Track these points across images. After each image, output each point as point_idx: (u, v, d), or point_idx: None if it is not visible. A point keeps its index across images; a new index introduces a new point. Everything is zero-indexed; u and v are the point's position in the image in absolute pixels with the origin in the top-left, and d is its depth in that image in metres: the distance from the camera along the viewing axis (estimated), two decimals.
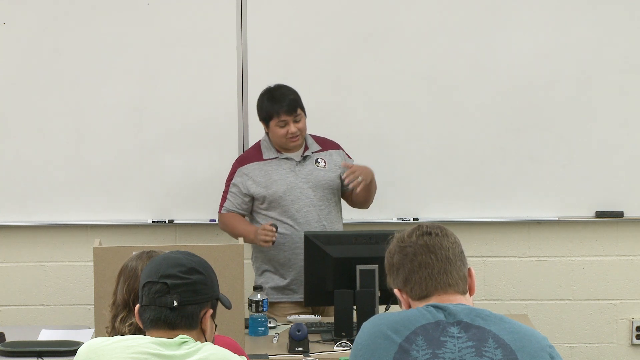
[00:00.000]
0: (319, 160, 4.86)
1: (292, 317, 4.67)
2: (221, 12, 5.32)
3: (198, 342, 2.56)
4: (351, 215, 5.25)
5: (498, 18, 5.36)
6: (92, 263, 4.11)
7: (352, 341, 3.86)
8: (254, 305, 4.50)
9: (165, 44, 5.33)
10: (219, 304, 2.68)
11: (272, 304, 4.70)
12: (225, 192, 4.87)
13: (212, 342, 2.64)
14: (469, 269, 2.54)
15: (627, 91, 5.41)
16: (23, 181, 5.38)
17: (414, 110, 5.40)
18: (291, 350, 4.26)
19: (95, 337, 3.45)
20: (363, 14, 5.34)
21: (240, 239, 4.50)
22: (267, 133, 4.85)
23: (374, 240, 4.45)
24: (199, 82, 5.34)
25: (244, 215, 4.87)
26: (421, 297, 2.49)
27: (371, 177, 4.79)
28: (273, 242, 4.68)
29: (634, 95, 5.42)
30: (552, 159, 5.42)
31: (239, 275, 4.17)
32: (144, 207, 5.40)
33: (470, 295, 2.53)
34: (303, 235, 4.57)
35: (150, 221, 5.42)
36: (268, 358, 4.21)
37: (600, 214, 5.48)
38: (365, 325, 2.47)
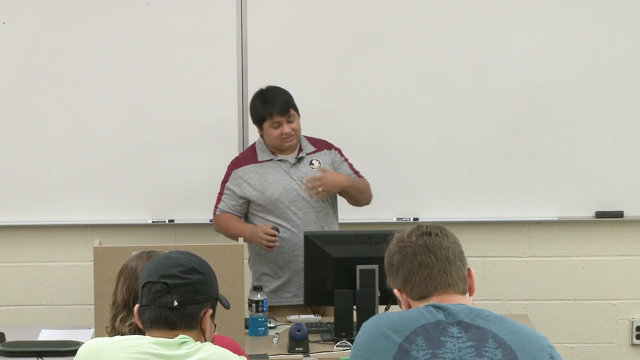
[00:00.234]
0: (313, 161, 4.85)
1: (292, 317, 4.67)
2: (221, 12, 5.32)
3: (198, 342, 2.56)
4: (351, 215, 5.25)
5: (498, 18, 5.36)
6: (92, 263, 4.11)
7: (352, 341, 3.86)
8: (254, 305, 4.50)
9: (165, 44, 5.33)
10: (218, 304, 2.68)
11: (270, 307, 4.68)
12: (220, 193, 4.87)
13: (212, 342, 2.64)
14: (469, 269, 2.54)
15: (627, 91, 5.41)
16: (23, 181, 5.38)
17: (414, 110, 5.40)
18: (291, 350, 4.26)
19: (95, 337, 3.45)
20: (363, 14, 5.34)
21: (240, 239, 4.50)
22: (261, 135, 4.85)
23: (374, 240, 4.45)
24: (199, 82, 5.34)
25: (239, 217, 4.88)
26: (421, 297, 2.49)
27: (339, 187, 4.79)
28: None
29: (634, 95, 5.42)
30: (552, 159, 5.43)
31: (239, 275, 4.17)
32: (144, 207, 5.41)
33: (470, 295, 2.53)
34: (302, 237, 4.59)
35: (150, 221, 5.42)
36: (268, 358, 4.21)
37: (600, 214, 5.48)
38: (365, 325, 2.47)
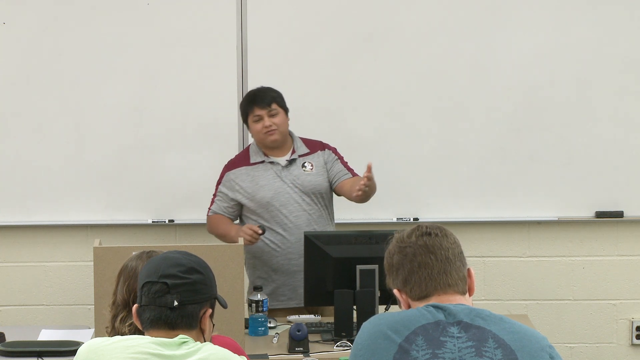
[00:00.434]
0: (305, 164, 4.84)
1: (292, 317, 4.67)
2: (221, 12, 5.32)
3: (198, 342, 2.56)
4: (351, 215, 5.25)
5: (498, 18, 5.36)
6: (92, 263, 4.11)
7: (352, 341, 3.86)
8: (254, 305, 4.50)
9: (165, 44, 5.33)
10: (217, 303, 2.68)
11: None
12: (214, 195, 4.88)
13: (211, 342, 2.63)
14: (469, 270, 2.54)
15: (627, 91, 5.41)
16: (23, 181, 5.38)
17: (414, 110, 5.40)
18: (291, 350, 4.26)
19: (95, 337, 3.44)
20: (363, 14, 5.34)
21: (240, 239, 4.50)
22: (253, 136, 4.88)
23: (374, 240, 4.45)
24: (199, 82, 5.34)
25: (232, 220, 4.88)
26: (421, 298, 2.49)
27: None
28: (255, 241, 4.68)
29: (634, 95, 5.42)
30: (552, 159, 5.43)
31: (239, 275, 4.17)
32: (144, 207, 5.41)
33: (470, 295, 2.53)
34: (294, 240, 4.61)
35: (150, 221, 5.42)
36: (268, 358, 4.21)
37: (600, 214, 5.48)
38: (365, 325, 2.47)
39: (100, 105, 5.35)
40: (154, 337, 2.56)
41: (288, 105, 4.88)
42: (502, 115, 5.41)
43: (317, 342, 4.39)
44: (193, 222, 5.38)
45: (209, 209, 4.89)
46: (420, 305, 2.47)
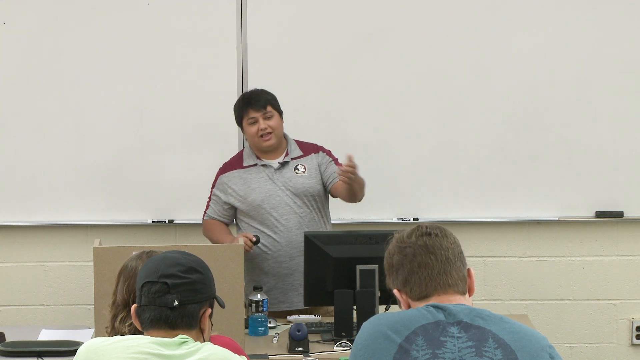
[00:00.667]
0: (298, 166, 4.83)
1: (292, 317, 4.67)
2: (221, 12, 5.32)
3: (198, 342, 2.56)
4: (351, 215, 5.25)
5: (498, 18, 5.36)
6: (92, 263, 4.11)
7: (352, 341, 3.86)
8: (254, 305, 4.50)
9: (165, 44, 5.33)
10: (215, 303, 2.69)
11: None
12: (209, 199, 4.89)
13: (210, 342, 2.63)
14: (469, 270, 2.54)
15: (627, 91, 5.41)
16: (23, 181, 5.38)
17: (414, 110, 5.40)
18: (291, 350, 4.26)
19: (95, 337, 3.44)
20: (363, 14, 5.34)
21: (240, 239, 4.50)
22: (246, 139, 4.87)
23: (374, 240, 4.45)
24: (199, 82, 5.34)
25: (227, 223, 4.88)
26: (421, 298, 2.49)
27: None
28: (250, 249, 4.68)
29: (634, 95, 5.42)
30: (552, 159, 5.43)
31: (239, 275, 4.17)
32: (144, 207, 5.41)
33: (470, 295, 2.53)
34: (285, 244, 4.63)
35: (150, 221, 5.42)
36: (268, 358, 4.21)
37: (600, 214, 5.48)
38: (365, 325, 2.47)
39: (100, 105, 5.35)
40: (153, 337, 2.56)
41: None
42: (502, 115, 5.41)
43: (317, 342, 4.39)
44: (193, 222, 5.38)
45: (205, 212, 4.90)
46: (420, 305, 2.47)
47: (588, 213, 5.49)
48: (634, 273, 5.57)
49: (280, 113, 4.81)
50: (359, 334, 2.47)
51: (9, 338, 4.37)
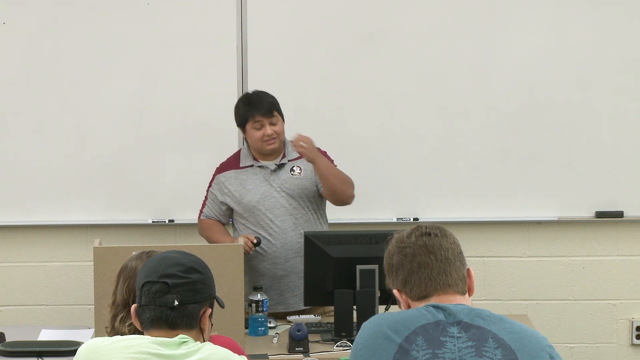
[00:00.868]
0: (294, 168, 4.82)
1: (292, 317, 4.67)
2: (221, 12, 5.32)
3: (198, 342, 2.56)
4: (351, 215, 5.25)
5: (498, 18, 5.36)
6: (92, 263, 4.11)
7: (352, 341, 3.86)
8: (253, 305, 4.50)
9: (165, 44, 5.33)
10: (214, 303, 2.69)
11: None
12: (206, 197, 4.89)
13: (210, 342, 2.64)
14: (468, 270, 2.54)
15: (627, 91, 5.41)
16: (23, 181, 5.38)
17: (414, 110, 5.39)
18: (291, 350, 4.26)
19: (95, 337, 3.44)
20: (363, 14, 5.34)
21: (240, 239, 4.50)
22: (245, 140, 4.85)
23: (374, 240, 4.45)
24: (199, 82, 5.34)
25: (223, 223, 4.88)
26: (421, 298, 2.49)
27: (316, 154, 4.68)
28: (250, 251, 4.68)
29: (634, 95, 5.42)
30: (552, 159, 5.43)
31: (239, 275, 4.18)
32: (144, 207, 5.41)
33: (470, 295, 2.53)
34: (280, 245, 4.64)
35: (150, 221, 5.42)
36: (268, 358, 4.21)
37: (600, 214, 5.48)
38: (365, 325, 2.47)
39: (100, 105, 5.35)
40: (153, 337, 2.56)
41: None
42: (502, 115, 5.41)
43: (317, 342, 4.39)
44: (193, 222, 5.36)
45: (201, 211, 4.89)
46: (420, 305, 2.47)
47: (588, 213, 5.49)
48: (634, 273, 5.57)
49: (283, 117, 4.80)
50: (359, 334, 2.47)
51: (9, 338, 4.37)
